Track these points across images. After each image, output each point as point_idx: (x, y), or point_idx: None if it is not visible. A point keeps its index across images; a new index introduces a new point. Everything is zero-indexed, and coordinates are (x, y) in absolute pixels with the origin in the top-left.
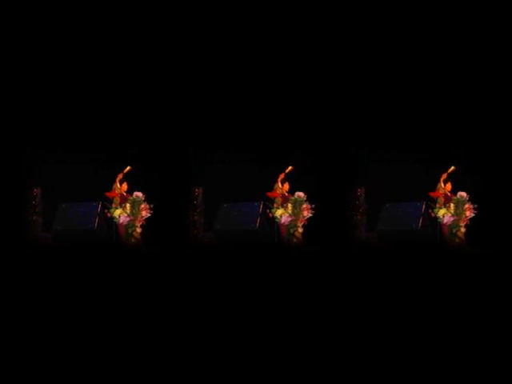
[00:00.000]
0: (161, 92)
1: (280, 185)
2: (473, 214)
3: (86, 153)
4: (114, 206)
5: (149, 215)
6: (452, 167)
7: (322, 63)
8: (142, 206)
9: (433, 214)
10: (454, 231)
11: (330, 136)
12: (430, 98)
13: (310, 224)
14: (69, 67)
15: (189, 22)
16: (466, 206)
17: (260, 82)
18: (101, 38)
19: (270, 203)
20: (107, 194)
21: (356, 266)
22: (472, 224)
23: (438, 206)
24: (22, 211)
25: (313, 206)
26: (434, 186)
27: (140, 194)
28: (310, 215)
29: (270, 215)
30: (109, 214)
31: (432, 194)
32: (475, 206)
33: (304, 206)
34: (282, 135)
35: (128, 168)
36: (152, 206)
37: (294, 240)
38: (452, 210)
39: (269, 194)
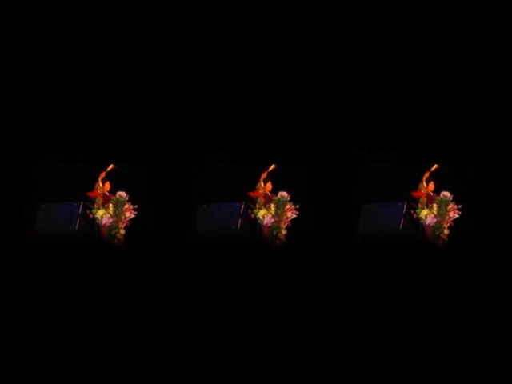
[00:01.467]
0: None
1: (262, 184)
2: (457, 215)
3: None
4: (96, 206)
5: (133, 216)
6: (435, 165)
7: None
8: (126, 206)
9: (415, 215)
10: (437, 233)
11: (312, 134)
12: (409, 95)
13: (294, 225)
14: (67, 67)
15: (188, 22)
16: (450, 206)
17: (253, 79)
18: (100, 37)
19: (251, 203)
20: (89, 194)
21: (341, 267)
22: (456, 225)
23: (420, 206)
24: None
25: (297, 206)
26: (415, 186)
27: (124, 194)
28: (294, 216)
29: (252, 216)
30: (91, 215)
31: (414, 194)
32: (459, 206)
33: (288, 206)
34: (263, 134)
35: (111, 166)
36: (136, 206)
37: (278, 242)
38: (435, 211)
39: (251, 193)
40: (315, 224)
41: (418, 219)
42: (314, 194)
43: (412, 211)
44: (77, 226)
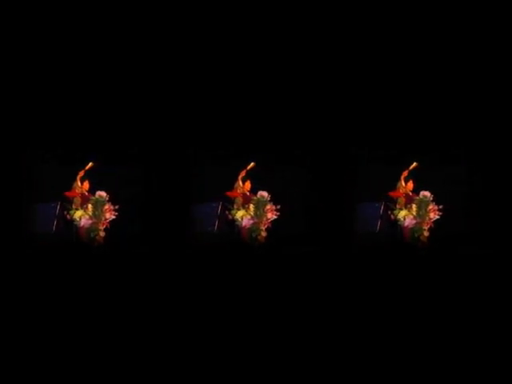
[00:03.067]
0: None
1: (241, 183)
2: (437, 216)
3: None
4: (74, 206)
5: (113, 217)
6: (414, 164)
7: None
8: (106, 207)
9: (392, 216)
10: (416, 235)
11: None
12: (389, 94)
13: (274, 227)
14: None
15: (188, 22)
16: (430, 207)
17: (251, 79)
18: (98, 38)
19: (229, 204)
20: (67, 194)
21: (324, 270)
22: (436, 227)
23: (398, 206)
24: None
25: (277, 207)
26: (393, 185)
27: (103, 194)
28: (275, 217)
29: (230, 217)
30: (68, 216)
31: (392, 194)
32: (440, 207)
33: (268, 207)
34: (243, 131)
35: (90, 164)
36: (117, 207)
37: (257, 245)
38: (414, 212)
39: (228, 193)
40: (297, 225)
41: (396, 221)
42: (295, 194)
43: (389, 212)
44: (54, 228)
